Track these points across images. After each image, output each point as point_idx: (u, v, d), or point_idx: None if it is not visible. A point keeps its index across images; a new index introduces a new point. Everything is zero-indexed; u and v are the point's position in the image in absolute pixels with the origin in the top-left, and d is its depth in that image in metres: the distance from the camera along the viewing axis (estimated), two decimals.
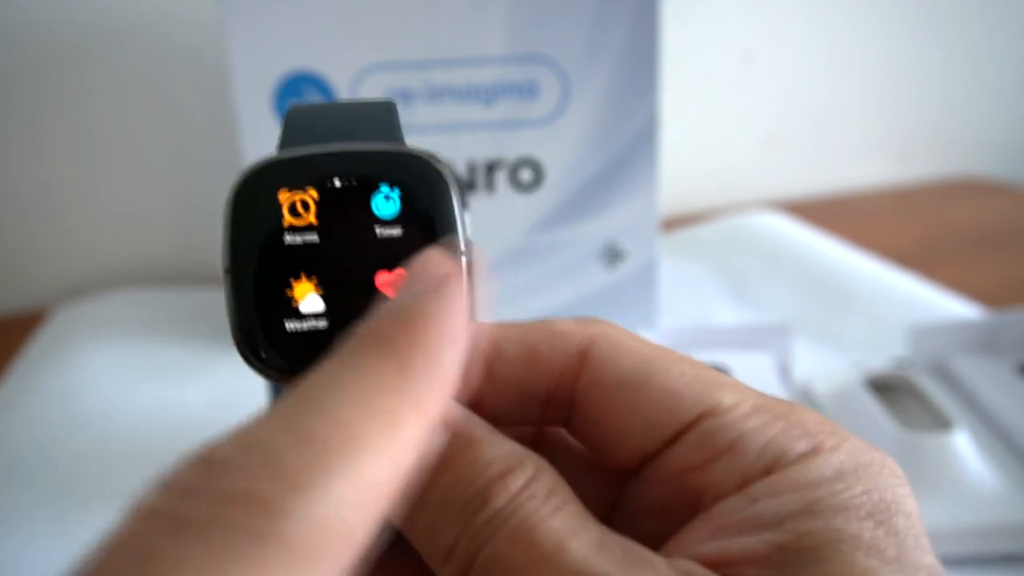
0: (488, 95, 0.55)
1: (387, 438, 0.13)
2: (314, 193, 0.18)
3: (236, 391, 0.52)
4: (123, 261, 0.75)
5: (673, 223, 0.79)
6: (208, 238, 0.75)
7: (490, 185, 0.56)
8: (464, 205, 0.19)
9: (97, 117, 0.71)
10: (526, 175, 0.56)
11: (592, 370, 0.19)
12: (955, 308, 0.60)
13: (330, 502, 0.12)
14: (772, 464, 0.16)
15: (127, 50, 0.70)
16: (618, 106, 0.55)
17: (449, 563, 0.16)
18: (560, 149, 0.56)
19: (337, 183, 0.18)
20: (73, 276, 0.74)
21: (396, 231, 0.18)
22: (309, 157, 0.18)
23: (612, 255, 0.58)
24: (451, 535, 0.16)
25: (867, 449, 0.17)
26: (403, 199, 0.18)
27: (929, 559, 0.16)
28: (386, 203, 0.18)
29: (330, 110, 0.20)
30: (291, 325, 0.18)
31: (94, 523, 0.45)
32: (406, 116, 0.55)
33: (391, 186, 0.18)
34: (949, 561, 0.37)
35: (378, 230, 0.18)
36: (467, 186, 0.56)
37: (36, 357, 0.59)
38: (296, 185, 0.18)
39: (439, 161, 0.19)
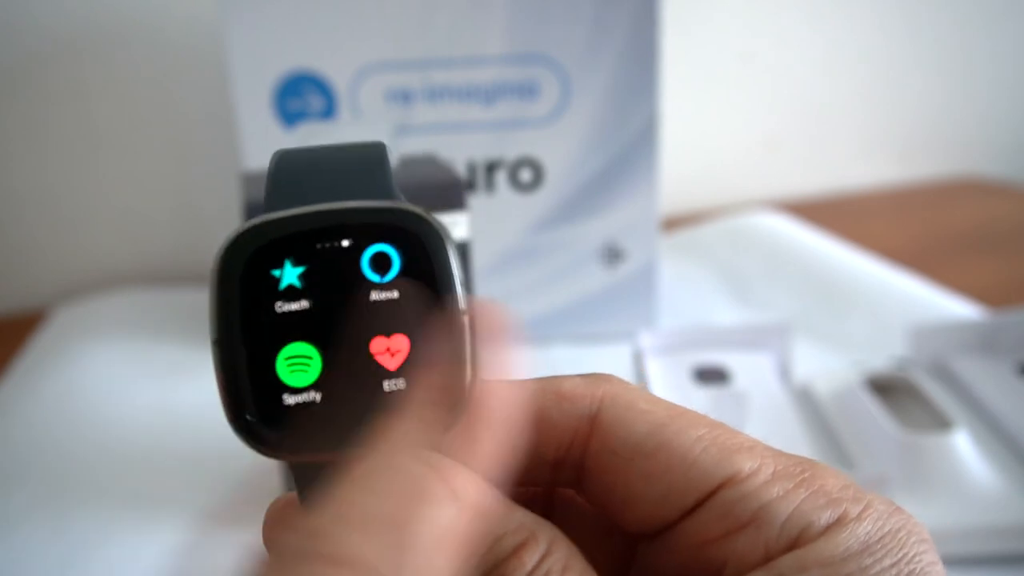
0: (488, 95, 0.55)
1: (444, 503, 0.14)
2: (304, 256, 0.17)
3: None
4: (123, 261, 0.75)
5: (673, 223, 0.79)
6: (208, 238, 0.75)
7: (490, 185, 0.56)
8: (460, 260, 0.18)
9: (97, 117, 0.71)
10: (526, 175, 0.56)
11: (603, 435, 0.18)
12: (955, 308, 0.60)
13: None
14: (797, 538, 0.16)
15: (127, 50, 0.70)
16: (618, 106, 0.55)
17: None
18: (560, 149, 0.56)
19: (327, 245, 0.17)
20: (73, 276, 0.74)
21: (392, 293, 0.17)
22: (297, 218, 0.17)
23: (612, 255, 0.58)
24: None
25: (891, 513, 0.16)
26: (398, 259, 0.17)
27: None
28: (380, 264, 0.17)
29: (318, 156, 0.19)
30: (285, 398, 0.17)
31: (93, 522, 0.45)
32: (406, 116, 0.55)
33: (386, 246, 0.17)
34: (949, 561, 0.37)
35: (373, 293, 0.17)
36: (467, 186, 0.56)
37: (36, 357, 0.59)
38: (285, 248, 0.17)
39: (433, 217, 0.18)
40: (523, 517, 0.17)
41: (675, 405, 0.18)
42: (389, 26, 0.53)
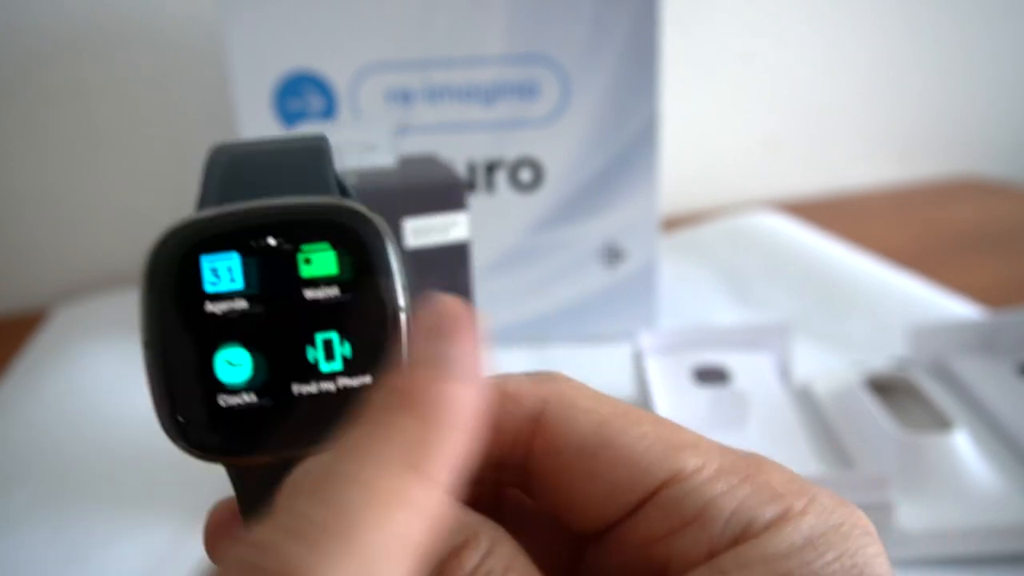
0: (488, 95, 0.55)
1: (395, 507, 0.13)
2: (238, 254, 0.17)
3: None
4: (123, 261, 0.75)
5: (673, 223, 0.79)
6: None
7: (490, 185, 0.56)
8: (401, 257, 0.17)
9: (97, 117, 0.71)
10: (526, 175, 0.56)
11: (546, 435, 0.18)
12: (955, 308, 0.60)
13: None
14: (741, 534, 0.16)
15: (127, 49, 0.70)
16: (618, 106, 0.55)
17: None
18: (560, 149, 0.56)
19: (263, 243, 0.17)
20: (73, 276, 0.74)
21: (330, 291, 0.17)
22: (230, 215, 0.17)
23: (612, 255, 0.58)
24: None
25: (836, 506, 0.16)
26: (335, 257, 0.17)
27: None
28: (317, 262, 0.17)
29: (256, 150, 0.19)
30: (222, 401, 0.17)
31: (93, 522, 0.45)
32: (406, 116, 0.55)
33: (322, 243, 0.17)
34: (949, 561, 0.37)
35: (309, 292, 0.17)
36: (468, 186, 0.56)
37: (36, 357, 0.59)
38: (218, 247, 0.16)
39: (372, 214, 0.17)
40: (465, 517, 0.16)
41: (620, 403, 0.18)
42: (389, 26, 0.53)
